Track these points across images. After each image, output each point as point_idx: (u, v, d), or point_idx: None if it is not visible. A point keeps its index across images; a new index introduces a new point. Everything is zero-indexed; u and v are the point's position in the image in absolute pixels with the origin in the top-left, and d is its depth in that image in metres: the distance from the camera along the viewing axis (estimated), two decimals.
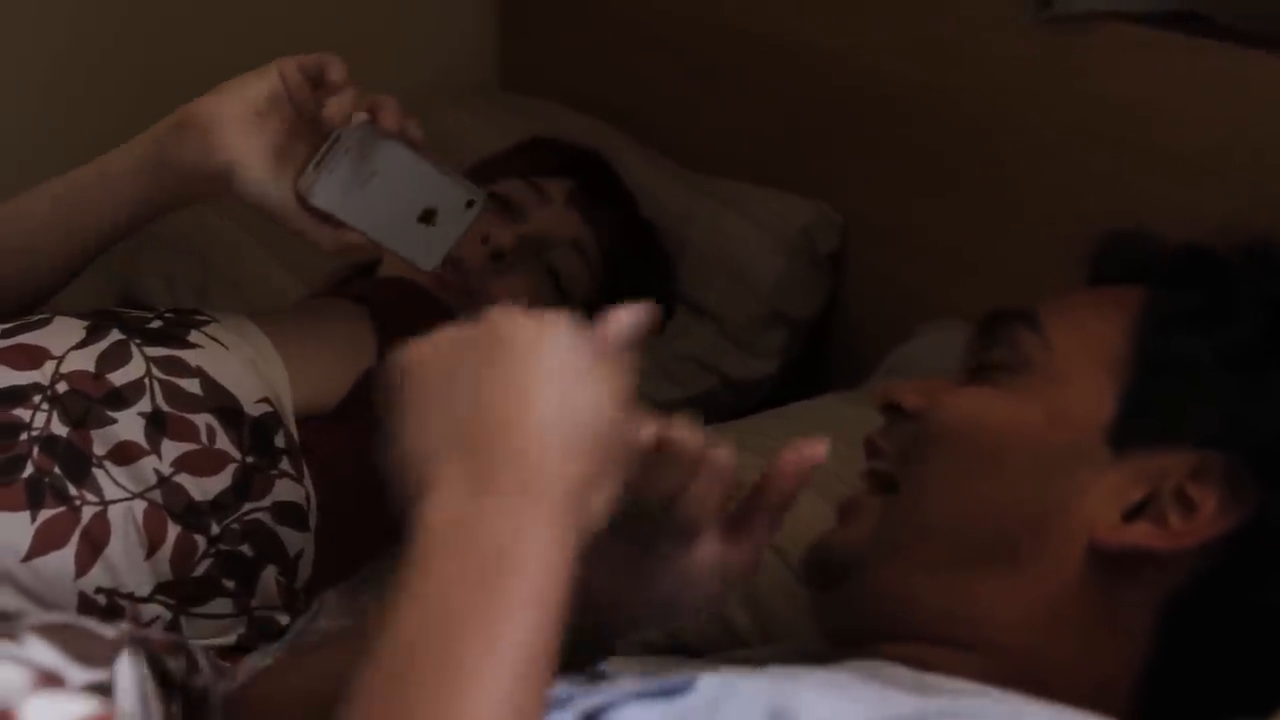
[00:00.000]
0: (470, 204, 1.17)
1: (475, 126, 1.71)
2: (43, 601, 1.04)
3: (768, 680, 0.68)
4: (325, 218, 1.11)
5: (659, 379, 1.49)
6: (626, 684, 0.69)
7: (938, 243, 1.48)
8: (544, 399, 0.67)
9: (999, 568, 0.80)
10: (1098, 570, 0.78)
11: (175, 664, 0.75)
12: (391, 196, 1.13)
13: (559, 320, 0.71)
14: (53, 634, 0.70)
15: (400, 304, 1.31)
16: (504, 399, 0.67)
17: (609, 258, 1.46)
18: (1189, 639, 0.77)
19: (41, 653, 0.69)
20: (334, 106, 1.07)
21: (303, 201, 1.10)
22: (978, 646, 0.80)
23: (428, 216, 1.16)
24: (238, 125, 1.09)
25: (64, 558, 1.05)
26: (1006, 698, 0.65)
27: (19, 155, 1.62)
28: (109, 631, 0.72)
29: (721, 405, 1.52)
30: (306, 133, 1.10)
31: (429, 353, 0.70)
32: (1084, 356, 0.83)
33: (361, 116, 1.10)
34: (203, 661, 0.76)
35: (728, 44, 1.65)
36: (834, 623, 0.90)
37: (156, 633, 0.74)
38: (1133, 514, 0.78)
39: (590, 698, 0.67)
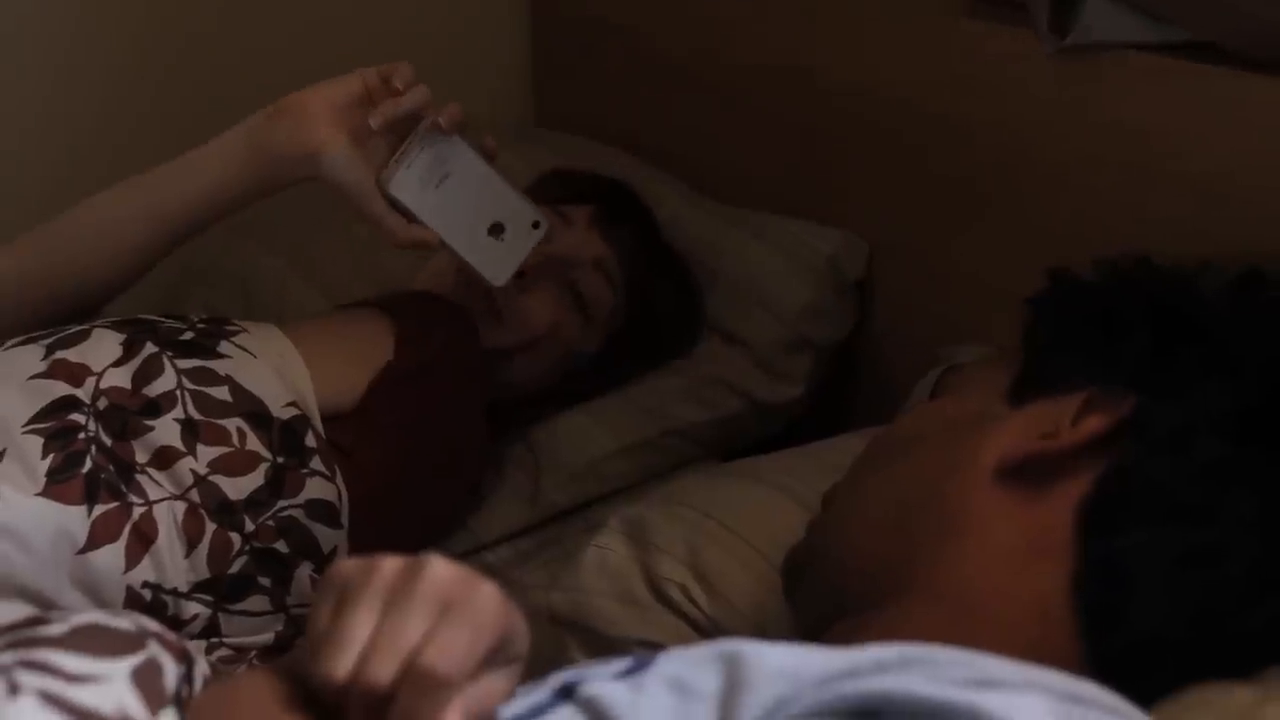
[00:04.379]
0: (536, 225, 1.24)
1: (511, 163, 1.75)
2: (94, 596, 1.09)
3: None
4: (402, 212, 1.19)
5: (689, 401, 1.52)
6: (601, 663, 0.72)
7: (961, 268, 1.50)
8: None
9: (927, 523, 0.86)
10: (1011, 495, 0.84)
11: (177, 669, 0.76)
12: (464, 201, 1.21)
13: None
14: (71, 643, 0.71)
15: (419, 306, 1.36)
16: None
17: (631, 277, 1.49)
18: (1106, 542, 0.80)
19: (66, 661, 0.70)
20: (410, 96, 1.18)
21: (384, 193, 1.18)
22: (917, 591, 0.84)
23: (496, 230, 1.23)
24: (326, 114, 1.19)
25: (115, 551, 1.10)
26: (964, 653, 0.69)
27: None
28: (127, 624, 0.74)
29: (749, 428, 1.55)
30: (387, 135, 1.19)
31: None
32: (988, 367, 0.95)
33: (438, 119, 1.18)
34: (199, 672, 0.77)
35: (755, 79, 1.68)
36: (807, 616, 0.97)
37: (170, 634, 0.76)
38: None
39: (564, 674, 0.70)
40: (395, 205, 1.19)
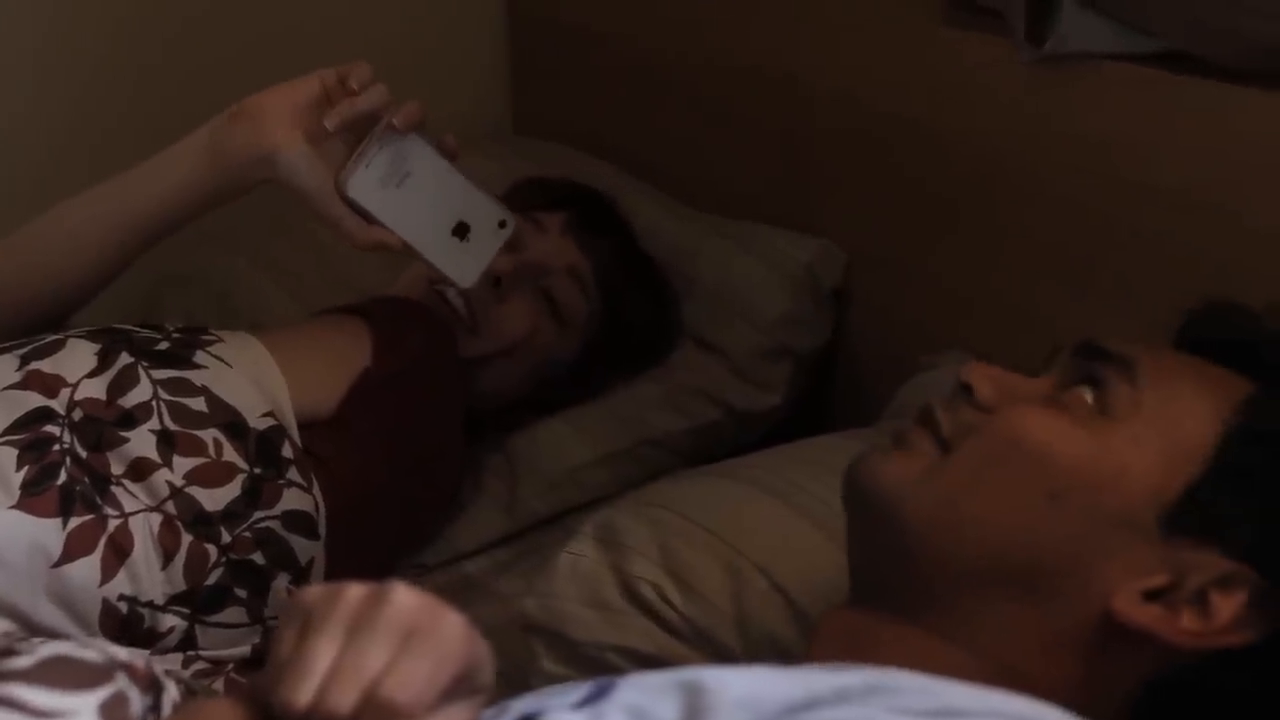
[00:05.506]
0: (503, 224, 1.22)
1: (488, 170, 1.75)
2: (70, 609, 1.09)
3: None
4: (361, 214, 1.17)
5: (667, 410, 1.52)
6: (560, 691, 0.71)
7: (939, 277, 1.51)
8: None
9: (1015, 589, 0.82)
10: (1102, 631, 0.80)
11: (143, 700, 0.76)
12: (426, 202, 1.18)
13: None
14: (39, 677, 0.72)
15: (396, 312, 1.36)
16: None
17: (605, 284, 1.49)
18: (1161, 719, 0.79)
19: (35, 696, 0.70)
20: (366, 96, 1.16)
21: (342, 195, 1.16)
22: (972, 649, 0.82)
23: (461, 231, 1.20)
24: (283, 116, 1.17)
25: (91, 564, 1.09)
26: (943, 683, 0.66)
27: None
28: (94, 655, 0.74)
29: (727, 436, 1.55)
30: (345, 136, 1.17)
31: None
32: (1168, 429, 0.83)
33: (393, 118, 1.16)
34: (168, 699, 0.77)
35: (734, 87, 1.68)
36: (861, 555, 0.91)
37: (139, 663, 0.76)
38: (1153, 595, 0.79)
39: (524, 703, 0.70)
40: (354, 207, 1.17)
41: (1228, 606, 0.78)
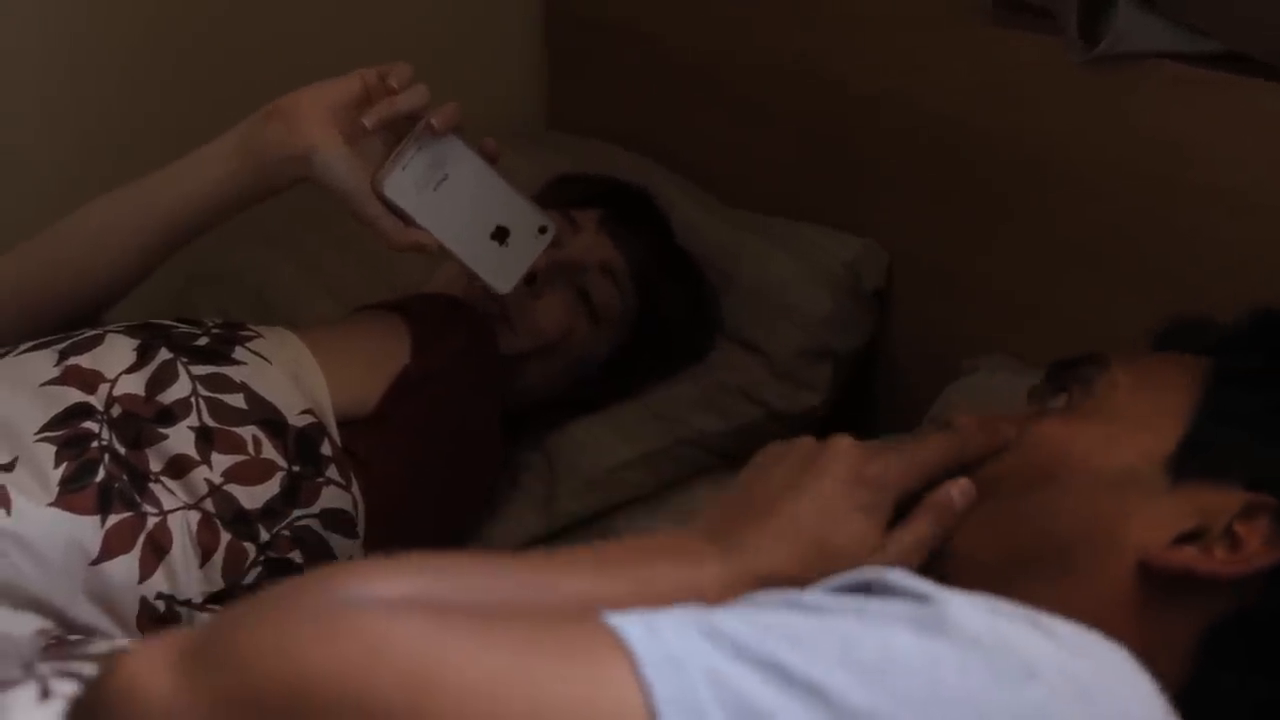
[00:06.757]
0: (543, 230, 1.21)
1: (523, 166, 1.73)
2: (107, 607, 1.08)
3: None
4: (399, 215, 1.16)
5: (705, 410, 1.51)
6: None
7: (982, 280, 1.49)
8: (800, 504, 0.81)
9: (1045, 570, 0.83)
10: (1145, 588, 0.80)
11: None
12: (464, 204, 1.17)
13: (850, 450, 0.85)
14: None
15: (435, 309, 1.34)
16: (777, 493, 0.83)
17: (640, 280, 1.47)
18: (1226, 664, 0.78)
19: None
20: (406, 96, 1.15)
21: (379, 195, 1.15)
22: None
23: (500, 235, 1.20)
24: (321, 115, 1.16)
25: (129, 562, 1.08)
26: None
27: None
28: None
29: (765, 437, 1.52)
30: (385, 136, 1.16)
31: (771, 450, 0.88)
32: (1149, 399, 0.86)
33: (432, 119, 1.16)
34: None
35: (775, 84, 1.67)
36: None
37: None
38: (1181, 541, 0.80)
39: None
40: (391, 207, 1.16)
41: (1255, 534, 0.79)
